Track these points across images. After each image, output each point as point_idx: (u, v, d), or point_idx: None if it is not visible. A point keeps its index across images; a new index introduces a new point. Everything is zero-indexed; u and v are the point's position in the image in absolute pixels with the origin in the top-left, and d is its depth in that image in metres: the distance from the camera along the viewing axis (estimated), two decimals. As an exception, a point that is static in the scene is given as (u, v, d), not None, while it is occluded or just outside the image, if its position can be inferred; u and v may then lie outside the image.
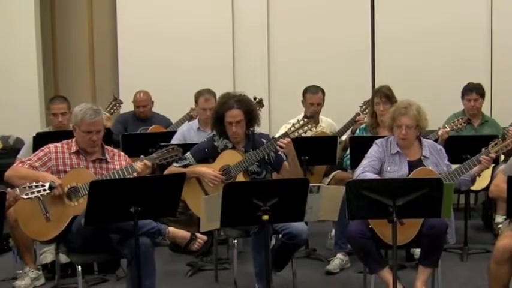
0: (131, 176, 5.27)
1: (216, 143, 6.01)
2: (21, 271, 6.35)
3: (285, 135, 5.98)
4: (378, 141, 5.80)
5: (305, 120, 6.05)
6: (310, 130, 6.14)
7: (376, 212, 4.76)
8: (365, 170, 5.58)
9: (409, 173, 5.57)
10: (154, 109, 8.52)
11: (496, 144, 5.73)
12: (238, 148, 5.99)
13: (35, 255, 6.48)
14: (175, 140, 7.16)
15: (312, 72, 8.85)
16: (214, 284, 6.46)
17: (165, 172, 5.91)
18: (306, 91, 7.64)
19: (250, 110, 5.95)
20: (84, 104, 5.56)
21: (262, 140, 6.03)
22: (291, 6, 9.39)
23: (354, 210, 4.79)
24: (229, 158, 5.93)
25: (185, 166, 5.93)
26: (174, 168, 5.86)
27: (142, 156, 5.50)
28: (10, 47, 9.38)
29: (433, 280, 5.53)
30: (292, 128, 6.02)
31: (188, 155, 6.01)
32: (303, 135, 6.09)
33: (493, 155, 5.72)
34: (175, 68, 9.36)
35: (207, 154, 6.01)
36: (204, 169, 5.94)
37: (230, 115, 5.87)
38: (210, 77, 8.74)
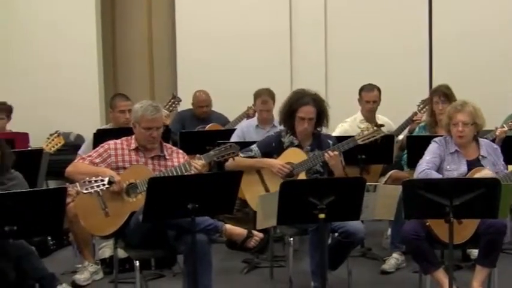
0: (189, 173, 5.32)
1: (282, 139, 6.06)
2: (80, 265, 6.44)
3: (353, 140, 6.00)
4: (436, 139, 5.77)
5: (375, 128, 6.06)
6: (378, 141, 6.14)
7: (433, 212, 4.73)
8: (430, 167, 5.55)
9: (468, 172, 5.55)
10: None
11: None
12: (304, 146, 6.02)
13: (94, 249, 6.59)
14: (234, 137, 7.24)
15: (370, 70, 8.83)
16: (269, 281, 6.49)
17: (228, 163, 5.88)
18: (362, 89, 7.62)
19: (322, 109, 6.01)
20: (144, 101, 5.64)
21: (329, 141, 6.06)
22: (348, 4, 9.39)
23: (411, 209, 4.78)
24: (293, 156, 5.96)
25: (250, 157, 5.99)
26: (239, 158, 5.86)
27: (198, 154, 5.55)
28: (71, 46, 9.54)
29: (490, 281, 5.48)
30: (361, 134, 6.03)
31: (254, 147, 6.08)
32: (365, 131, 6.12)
33: None
34: (233, 65, 9.42)
35: (272, 149, 6.06)
36: (271, 160, 5.99)
37: (304, 111, 5.91)
38: (267, 74, 8.78)
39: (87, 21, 9.58)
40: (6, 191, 4.70)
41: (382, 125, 6.31)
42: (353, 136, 6.15)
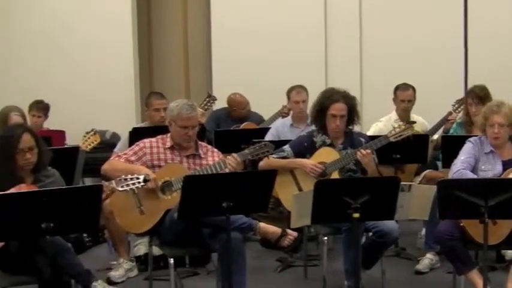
0: (224, 172, 5.35)
1: (314, 139, 6.06)
2: (115, 262, 6.50)
3: (385, 138, 5.99)
4: (471, 139, 5.74)
5: (407, 125, 6.04)
6: (410, 138, 6.12)
7: (468, 212, 4.72)
8: (464, 167, 5.52)
9: (503, 172, 5.51)
10: (246, 106, 8.61)
11: None
12: (336, 145, 6.02)
13: (129, 247, 6.64)
14: (269, 135, 7.25)
15: (404, 69, 8.80)
16: (303, 280, 6.50)
17: (262, 163, 5.94)
18: (397, 88, 7.62)
19: (353, 107, 6.01)
20: (180, 99, 5.66)
21: (361, 139, 6.05)
22: (383, 3, 9.35)
23: (445, 209, 4.77)
24: (326, 155, 5.96)
25: (283, 158, 6.00)
26: (272, 159, 5.89)
27: (233, 153, 5.56)
28: (108, 46, 9.66)
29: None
30: (393, 132, 6.02)
31: (287, 147, 6.08)
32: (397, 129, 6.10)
33: None
34: (267, 64, 9.43)
35: (305, 149, 6.05)
36: (304, 160, 5.99)
37: (335, 108, 5.91)
38: (302, 73, 8.76)
39: (124, 19, 9.68)
40: (44, 188, 4.77)
41: (413, 122, 6.28)
42: (385, 134, 6.14)
